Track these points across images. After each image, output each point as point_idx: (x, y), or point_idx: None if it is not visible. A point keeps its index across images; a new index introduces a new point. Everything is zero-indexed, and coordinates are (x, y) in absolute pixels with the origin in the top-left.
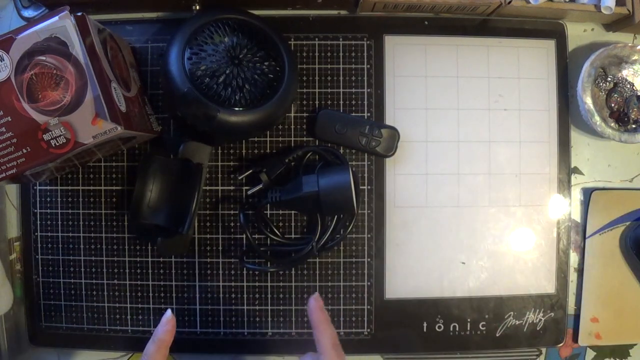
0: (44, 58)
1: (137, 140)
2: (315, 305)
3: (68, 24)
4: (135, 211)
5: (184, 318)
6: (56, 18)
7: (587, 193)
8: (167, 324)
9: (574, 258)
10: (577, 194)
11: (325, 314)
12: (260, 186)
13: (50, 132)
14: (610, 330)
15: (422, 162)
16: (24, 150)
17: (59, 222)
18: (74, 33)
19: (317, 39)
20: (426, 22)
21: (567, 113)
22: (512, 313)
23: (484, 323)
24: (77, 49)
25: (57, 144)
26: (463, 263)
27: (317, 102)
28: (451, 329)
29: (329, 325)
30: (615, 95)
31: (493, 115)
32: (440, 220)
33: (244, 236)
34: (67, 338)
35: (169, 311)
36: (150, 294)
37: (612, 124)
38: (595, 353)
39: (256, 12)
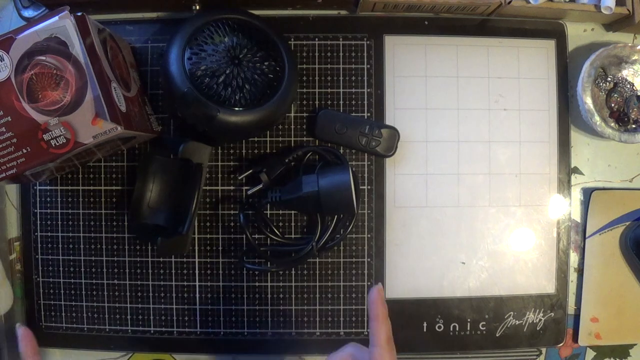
0: (44, 58)
1: (137, 140)
2: (377, 297)
3: (68, 24)
4: (135, 211)
5: (184, 318)
6: (56, 18)
7: (587, 193)
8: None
9: (574, 258)
10: (577, 194)
11: (385, 307)
12: (260, 186)
13: (50, 132)
14: (610, 330)
15: (422, 162)
16: (24, 150)
17: (59, 222)
18: (74, 33)
19: (317, 39)
20: (426, 22)
21: (567, 113)
22: (512, 313)
23: (484, 323)
24: (77, 49)
25: (57, 144)
26: (463, 263)
27: (317, 102)
28: (451, 329)
29: (387, 319)
30: (615, 95)
31: (493, 115)
32: (440, 220)
33: (244, 236)
34: (67, 338)
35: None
36: (150, 294)
37: (612, 124)
38: (595, 353)
39: (256, 12)
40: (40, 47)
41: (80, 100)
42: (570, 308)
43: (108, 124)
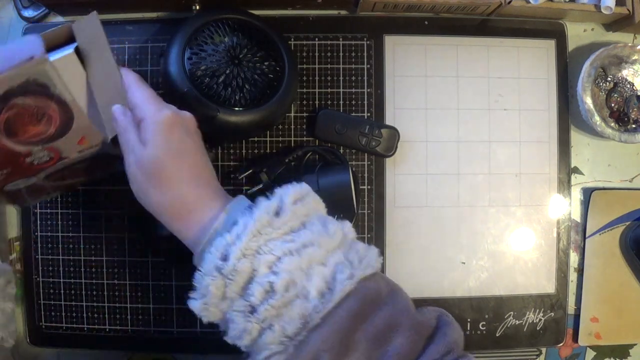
0: (21, 101)
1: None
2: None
3: (48, 67)
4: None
5: (184, 318)
6: (32, 61)
7: (587, 193)
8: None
9: (574, 258)
10: (577, 194)
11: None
12: (260, 186)
13: (33, 156)
14: (610, 330)
15: (422, 162)
16: (4, 171)
17: (59, 222)
18: (55, 74)
19: (317, 39)
20: (426, 22)
21: (567, 113)
22: (512, 313)
23: (484, 323)
24: (61, 87)
25: (41, 162)
26: (463, 263)
27: (317, 102)
28: None
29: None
30: (615, 95)
31: (493, 115)
32: (440, 220)
33: None
34: (67, 338)
35: None
36: (150, 294)
37: (612, 124)
38: (595, 353)
39: (256, 12)
40: (16, 91)
41: (66, 128)
42: (570, 308)
43: (94, 139)
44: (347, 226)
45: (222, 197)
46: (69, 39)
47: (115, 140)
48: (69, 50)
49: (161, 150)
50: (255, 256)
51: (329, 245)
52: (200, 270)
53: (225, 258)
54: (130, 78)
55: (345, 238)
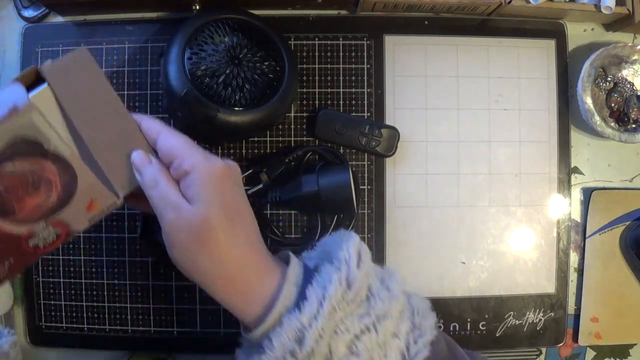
0: (11, 168)
1: None
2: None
3: (36, 116)
4: (151, 224)
5: (184, 318)
6: (15, 113)
7: (587, 193)
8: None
9: (574, 258)
10: (577, 194)
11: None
12: (260, 186)
13: (36, 237)
14: (610, 330)
15: (422, 162)
16: (6, 263)
17: None
18: (46, 125)
19: (317, 39)
20: (426, 22)
21: (567, 113)
22: (512, 313)
23: (484, 323)
24: (56, 141)
25: (47, 244)
26: (463, 263)
27: (317, 102)
28: (451, 328)
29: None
30: (615, 95)
31: (493, 115)
32: (440, 220)
33: None
34: (67, 338)
35: None
36: (150, 294)
37: (612, 124)
38: (595, 353)
39: (256, 12)
40: (2, 156)
41: (71, 192)
42: (570, 308)
43: (105, 201)
44: (399, 277)
45: (275, 263)
46: (40, 79)
47: (128, 197)
48: (42, 86)
49: (214, 208)
50: (332, 337)
51: (396, 311)
52: (269, 353)
53: (300, 341)
54: (156, 123)
55: (403, 293)
